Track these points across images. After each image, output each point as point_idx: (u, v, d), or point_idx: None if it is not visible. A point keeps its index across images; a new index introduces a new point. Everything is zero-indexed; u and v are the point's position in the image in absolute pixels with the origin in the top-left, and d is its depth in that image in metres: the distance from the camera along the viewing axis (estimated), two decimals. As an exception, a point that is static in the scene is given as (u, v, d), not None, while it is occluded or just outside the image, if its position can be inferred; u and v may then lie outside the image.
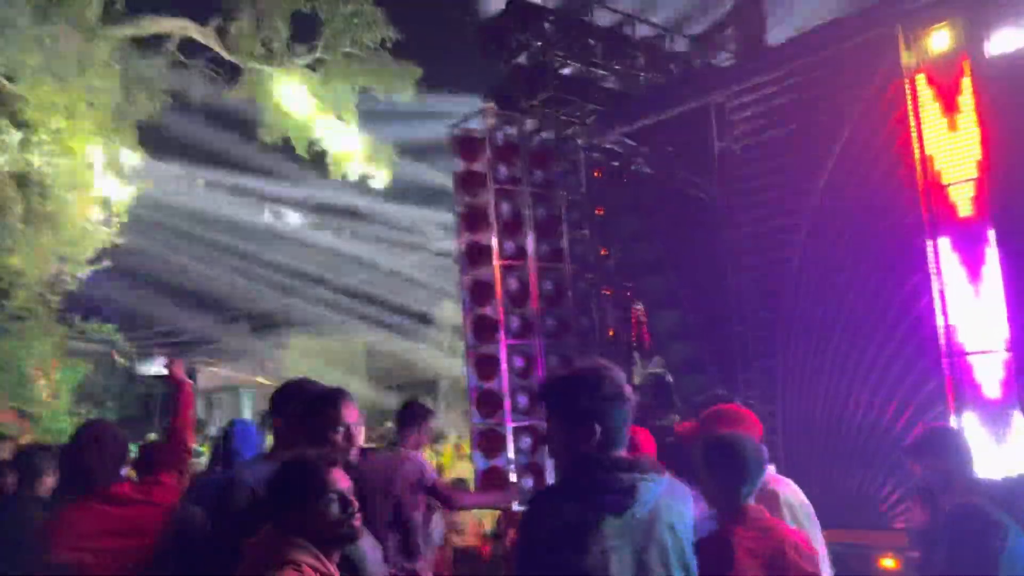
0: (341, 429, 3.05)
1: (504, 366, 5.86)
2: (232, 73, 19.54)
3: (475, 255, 6.12)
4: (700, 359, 6.25)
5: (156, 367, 3.77)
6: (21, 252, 13.93)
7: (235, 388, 26.92)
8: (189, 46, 18.95)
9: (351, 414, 3.11)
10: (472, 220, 6.14)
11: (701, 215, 6.35)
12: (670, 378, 6.48)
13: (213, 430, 24.34)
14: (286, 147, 19.80)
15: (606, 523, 2.08)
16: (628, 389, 2.28)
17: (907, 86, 5.16)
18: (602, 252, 6.77)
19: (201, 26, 18.74)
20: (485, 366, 6.01)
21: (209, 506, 3.58)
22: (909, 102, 5.15)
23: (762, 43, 7.40)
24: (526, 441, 5.81)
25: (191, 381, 3.92)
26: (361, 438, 3.17)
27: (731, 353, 6.05)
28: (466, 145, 6.20)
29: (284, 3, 18.27)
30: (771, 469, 3.07)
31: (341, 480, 2.41)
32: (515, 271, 6.10)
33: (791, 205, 5.63)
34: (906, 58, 5.19)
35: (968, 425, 4.86)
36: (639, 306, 6.72)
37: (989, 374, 4.89)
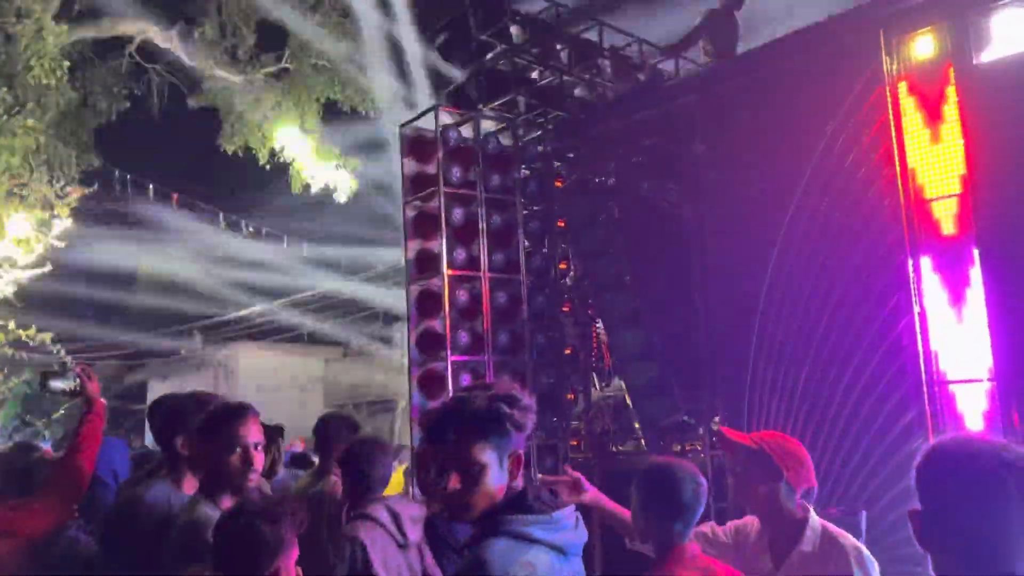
0: (238, 450, 2.65)
1: (450, 385, 5.37)
2: (193, 80, 19.03)
3: (423, 263, 5.66)
4: (664, 382, 5.83)
5: (66, 382, 3.25)
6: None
7: (187, 404, 26.06)
8: (150, 50, 18.41)
9: (252, 432, 2.69)
10: (421, 225, 5.69)
11: (668, 229, 5.97)
12: (630, 401, 6.06)
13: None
14: (246, 157, 19.32)
15: (568, 565, 1.82)
16: None
17: (888, 94, 4.84)
18: (562, 266, 6.35)
19: (164, 30, 18.21)
20: (430, 384, 5.53)
21: (101, 529, 3.26)
22: (890, 111, 4.83)
23: (735, 54, 7.11)
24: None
25: (103, 401, 3.46)
26: (261, 460, 2.75)
27: (697, 376, 5.66)
28: (416, 145, 5.76)
29: (250, 11, 17.88)
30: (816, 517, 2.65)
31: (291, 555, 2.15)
32: (466, 282, 5.64)
33: (763, 218, 5.27)
34: (887, 65, 4.87)
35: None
36: (600, 324, 6.30)
37: (972, 405, 4.53)
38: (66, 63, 14.16)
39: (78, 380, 3.24)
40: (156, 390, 27.66)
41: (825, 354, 4.94)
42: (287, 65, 18.57)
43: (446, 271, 5.53)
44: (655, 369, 5.94)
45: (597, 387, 6.44)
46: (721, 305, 5.53)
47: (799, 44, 5.29)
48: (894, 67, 4.85)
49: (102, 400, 3.34)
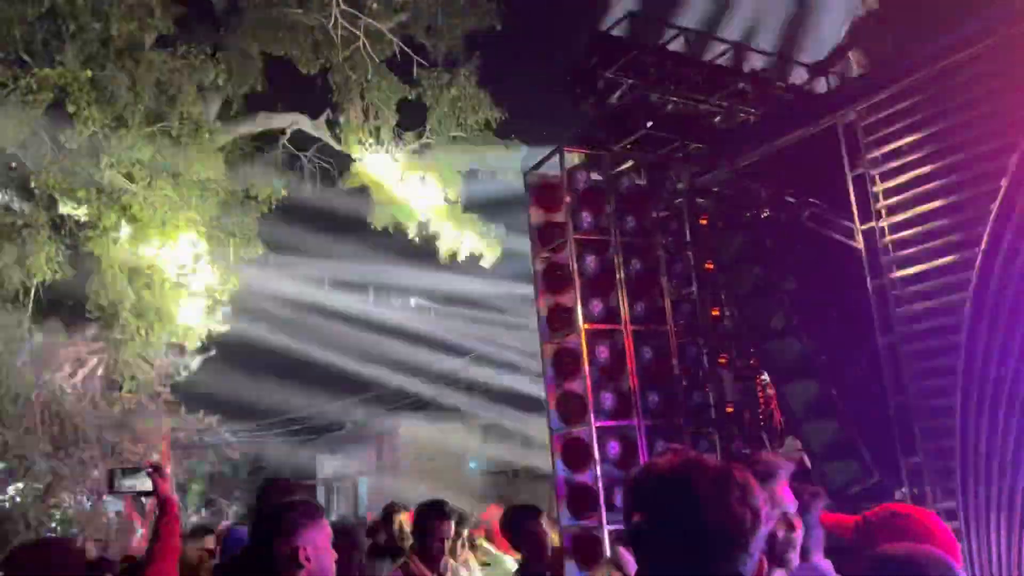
0: None
1: (596, 454, 4.76)
2: (343, 162, 19.96)
3: (557, 320, 5.14)
4: (848, 441, 4.95)
5: (137, 481, 2.97)
6: (133, 345, 14.13)
7: (352, 476, 26.70)
8: (301, 138, 19.51)
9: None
10: (552, 278, 5.19)
11: (839, 260, 5.15)
12: (809, 465, 5.19)
13: (333, 518, 24.12)
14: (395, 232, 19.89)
15: None
16: None
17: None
18: (714, 312, 5.63)
19: (312, 119, 19.28)
20: (575, 454, 4.94)
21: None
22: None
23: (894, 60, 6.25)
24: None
25: (176, 499, 3.17)
26: None
27: (889, 433, 4.74)
28: (543, 192, 5.32)
29: (391, 92, 18.60)
30: None
31: None
32: (606, 337, 5.05)
33: (958, 236, 4.38)
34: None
35: None
36: (765, 376, 5.51)
37: None
38: (222, 157, 15.12)
39: (150, 479, 2.93)
40: (323, 463, 28.51)
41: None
42: (428, 140, 19.09)
43: (582, 326, 4.98)
44: (835, 426, 5.07)
45: (769, 449, 5.60)
46: (914, 345, 4.63)
47: (983, 29, 4.43)
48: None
49: (174, 498, 3.03)
